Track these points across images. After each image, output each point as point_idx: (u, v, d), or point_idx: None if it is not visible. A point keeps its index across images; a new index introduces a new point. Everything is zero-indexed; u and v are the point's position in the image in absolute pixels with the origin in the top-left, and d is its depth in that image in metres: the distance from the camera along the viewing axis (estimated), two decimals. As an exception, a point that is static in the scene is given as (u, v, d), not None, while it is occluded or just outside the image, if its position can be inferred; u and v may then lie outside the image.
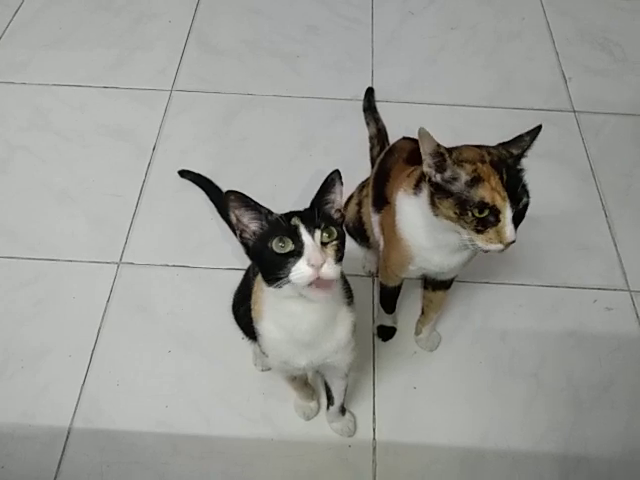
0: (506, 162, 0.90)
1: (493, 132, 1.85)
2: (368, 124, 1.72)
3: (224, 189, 1.59)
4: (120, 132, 1.78)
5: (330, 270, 0.76)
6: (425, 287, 1.32)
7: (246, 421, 1.30)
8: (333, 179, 0.86)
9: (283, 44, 2.04)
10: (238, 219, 0.82)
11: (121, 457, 1.25)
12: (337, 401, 1.20)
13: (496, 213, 0.87)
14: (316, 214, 0.81)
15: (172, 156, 1.74)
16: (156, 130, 1.79)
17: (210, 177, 1.63)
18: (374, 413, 1.31)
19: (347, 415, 1.27)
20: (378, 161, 1.30)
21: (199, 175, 1.65)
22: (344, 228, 0.87)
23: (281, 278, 0.77)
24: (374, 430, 1.29)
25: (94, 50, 1.99)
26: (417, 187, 1.01)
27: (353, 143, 1.72)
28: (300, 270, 0.76)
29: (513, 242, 0.88)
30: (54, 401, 1.31)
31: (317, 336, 0.90)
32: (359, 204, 1.38)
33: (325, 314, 0.88)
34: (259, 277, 0.90)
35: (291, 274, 0.76)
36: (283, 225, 0.79)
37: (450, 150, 0.92)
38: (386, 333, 1.41)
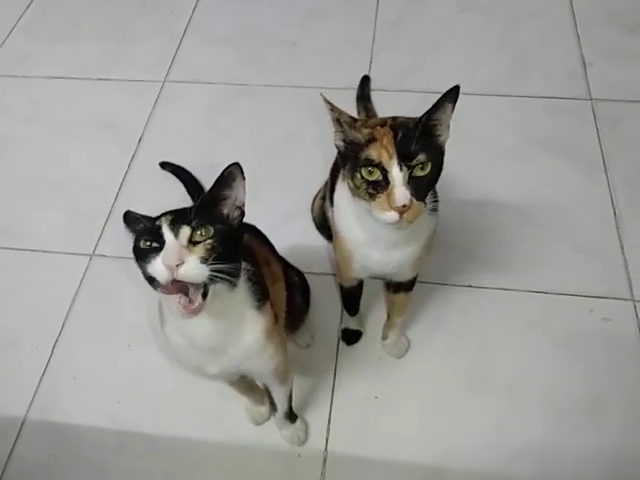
0: (407, 125, 0.80)
1: (498, 122, 1.74)
2: (359, 113, 1.61)
3: (209, 181, 1.54)
4: (109, 124, 1.78)
5: (191, 271, 0.69)
6: (387, 289, 1.22)
7: (196, 422, 1.25)
8: (231, 172, 0.79)
9: (282, 31, 1.97)
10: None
11: (69, 451, 1.24)
12: (280, 408, 1.12)
13: (385, 173, 0.77)
14: (192, 211, 0.74)
15: (156, 148, 1.72)
16: (144, 122, 1.77)
17: (194, 169, 1.59)
18: (329, 422, 1.23)
19: (298, 423, 1.19)
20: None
21: (179, 167, 1.61)
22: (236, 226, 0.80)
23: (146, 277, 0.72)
24: (327, 440, 1.20)
25: (95, 42, 2.00)
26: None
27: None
28: (154, 266, 0.69)
29: (405, 208, 0.76)
30: (12, 391, 1.32)
31: (219, 343, 0.83)
32: (323, 198, 1.30)
33: (219, 322, 0.80)
34: None
35: (148, 269, 0.70)
36: (149, 226, 0.75)
37: (355, 118, 0.84)
38: (351, 336, 1.31)
